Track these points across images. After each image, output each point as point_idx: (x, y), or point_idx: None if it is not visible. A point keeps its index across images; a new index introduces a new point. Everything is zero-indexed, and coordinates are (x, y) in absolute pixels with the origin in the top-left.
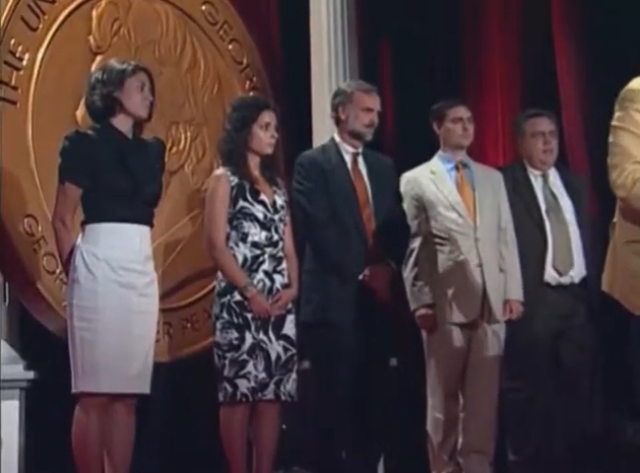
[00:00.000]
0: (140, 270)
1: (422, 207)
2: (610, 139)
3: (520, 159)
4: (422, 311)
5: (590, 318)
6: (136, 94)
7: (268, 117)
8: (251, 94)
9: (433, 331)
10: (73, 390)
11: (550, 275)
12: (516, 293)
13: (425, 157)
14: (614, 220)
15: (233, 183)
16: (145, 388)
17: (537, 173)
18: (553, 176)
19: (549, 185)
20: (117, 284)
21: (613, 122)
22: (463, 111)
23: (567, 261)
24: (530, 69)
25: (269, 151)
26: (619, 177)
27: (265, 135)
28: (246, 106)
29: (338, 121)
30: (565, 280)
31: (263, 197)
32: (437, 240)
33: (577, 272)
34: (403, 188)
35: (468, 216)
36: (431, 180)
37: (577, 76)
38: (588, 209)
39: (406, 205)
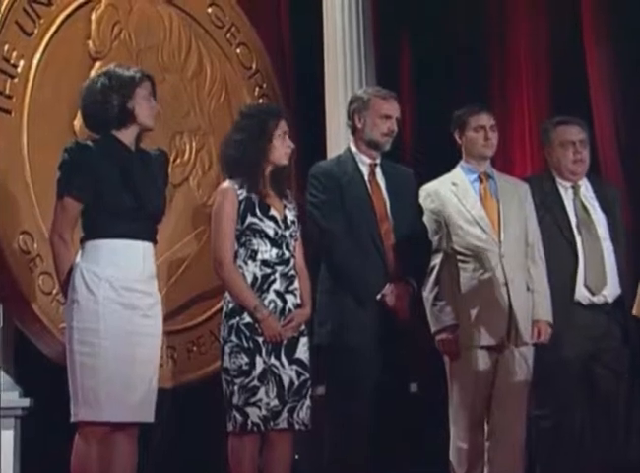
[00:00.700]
0: (143, 290)
1: (443, 222)
2: None
3: (548, 169)
4: (443, 335)
5: (626, 340)
6: (145, 104)
7: (285, 126)
8: (261, 101)
9: (455, 356)
10: (72, 419)
11: (582, 294)
12: (544, 313)
13: (447, 168)
14: None
15: (241, 197)
16: (148, 417)
17: (566, 185)
18: (585, 188)
19: (580, 197)
20: (119, 305)
21: None
22: (485, 119)
23: (600, 279)
24: (559, 73)
25: (286, 161)
26: None
27: (282, 145)
28: (264, 114)
29: (354, 130)
30: (598, 299)
31: (273, 212)
32: (460, 257)
33: (610, 291)
34: (422, 202)
35: (492, 231)
36: (453, 193)
37: (609, 79)
38: (622, 222)
39: (426, 219)
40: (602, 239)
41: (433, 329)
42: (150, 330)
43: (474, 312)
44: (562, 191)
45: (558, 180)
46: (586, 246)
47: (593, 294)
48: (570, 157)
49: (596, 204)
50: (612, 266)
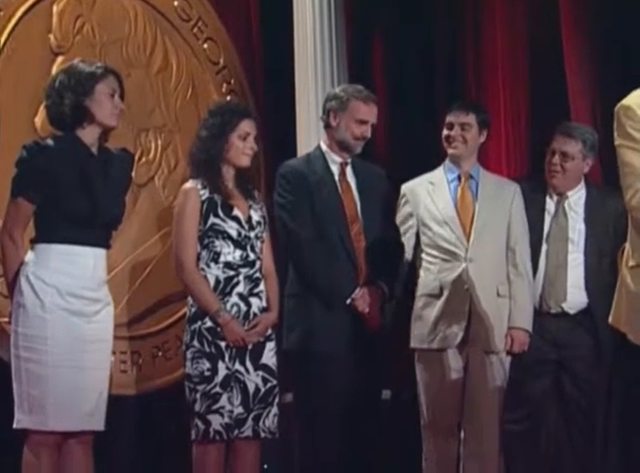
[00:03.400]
0: (90, 297)
1: (416, 222)
2: (618, 159)
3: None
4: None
5: (596, 349)
6: (107, 102)
7: (248, 127)
8: (229, 98)
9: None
10: (15, 425)
11: (537, 303)
12: (520, 320)
13: (420, 168)
14: (625, 245)
15: (203, 198)
16: (98, 425)
17: (553, 191)
18: (575, 199)
19: (564, 206)
20: (66, 312)
21: (615, 141)
22: (453, 116)
23: (559, 296)
24: (536, 68)
25: (245, 163)
26: (634, 198)
27: (243, 146)
28: (225, 113)
29: (327, 126)
30: (555, 310)
31: (236, 212)
32: (428, 258)
33: (572, 305)
34: (399, 201)
35: (462, 233)
36: (428, 193)
37: (587, 74)
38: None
39: (400, 218)
40: (571, 252)
41: None
42: (97, 336)
43: (433, 315)
44: (548, 198)
45: (549, 187)
46: (550, 258)
47: (549, 308)
48: (546, 165)
49: (580, 216)
50: (578, 279)
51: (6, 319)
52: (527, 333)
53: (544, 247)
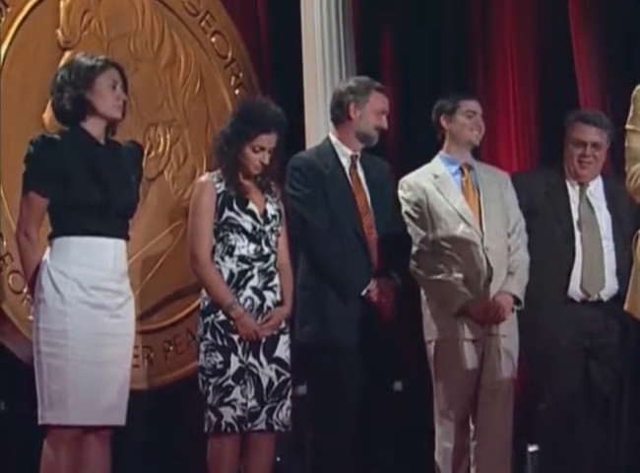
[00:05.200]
0: (113, 289)
1: (427, 214)
2: (625, 144)
3: (561, 160)
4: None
5: (625, 337)
6: (108, 93)
7: (265, 142)
8: (237, 91)
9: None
10: (39, 422)
11: (576, 293)
12: (510, 286)
13: (429, 161)
14: (639, 231)
15: (219, 191)
16: (120, 420)
17: (574, 181)
18: (595, 186)
19: (587, 195)
20: (88, 305)
21: (626, 125)
22: (477, 106)
23: (598, 282)
24: (545, 63)
25: (254, 172)
26: (630, 182)
27: (254, 157)
28: (248, 121)
29: (340, 119)
30: (592, 298)
31: (251, 206)
32: (444, 251)
33: (607, 291)
34: (403, 193)
35: (475, 224)
36: (434, 185)
37: (597, 69)
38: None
39: (407, 212)
40: (603, 239)
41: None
42: (120, 330)
43: (456, 307)
44: (569, 186)
45: (567, 175)
46: (586, 245)
47: (588, 295)
48: (577, 157)
49: (603, 204)
50: (611, 265)
51: (30, 318)
52: (512, 296)
53: (577, 234)
